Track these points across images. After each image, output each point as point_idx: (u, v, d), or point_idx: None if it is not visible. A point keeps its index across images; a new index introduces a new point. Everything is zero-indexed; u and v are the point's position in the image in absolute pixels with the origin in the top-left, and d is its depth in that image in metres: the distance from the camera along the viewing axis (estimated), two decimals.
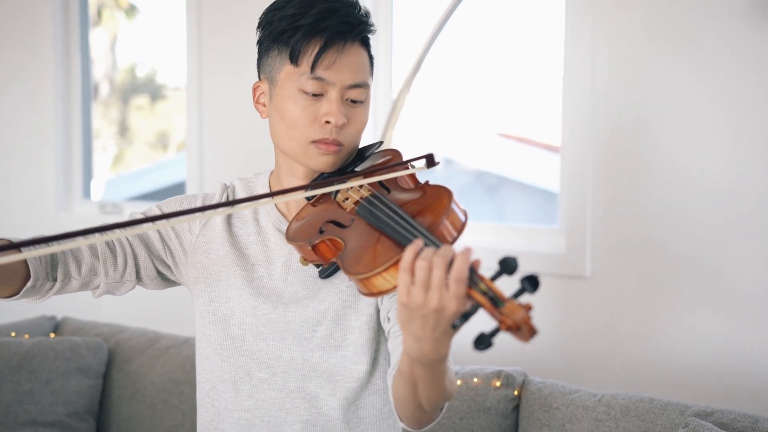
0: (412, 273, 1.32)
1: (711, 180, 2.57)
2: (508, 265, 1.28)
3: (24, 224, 4.26)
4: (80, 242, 1.37)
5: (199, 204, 1.86)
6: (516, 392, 2.42)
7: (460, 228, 1.48)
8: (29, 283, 1.62)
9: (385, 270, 1.41)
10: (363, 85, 1.71)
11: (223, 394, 1.80)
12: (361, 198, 1.60)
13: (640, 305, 2.69)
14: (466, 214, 1.51)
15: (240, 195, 1.87)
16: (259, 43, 1.77)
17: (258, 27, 1.76)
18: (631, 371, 2.72)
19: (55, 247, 1.29)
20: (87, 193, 4.30)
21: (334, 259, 1.57)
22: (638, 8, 2.67)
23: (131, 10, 4.89)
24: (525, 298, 2.45)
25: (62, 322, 3.21)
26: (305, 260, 1.68)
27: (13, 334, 3.03)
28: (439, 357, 1.38)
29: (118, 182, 5.28)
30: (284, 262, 1.78)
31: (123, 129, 4.88)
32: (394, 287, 1.40)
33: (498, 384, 2.43)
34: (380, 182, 1.65)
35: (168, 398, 2.85)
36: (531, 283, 1.26)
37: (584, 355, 2.80)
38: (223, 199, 1.85)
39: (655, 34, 2.64)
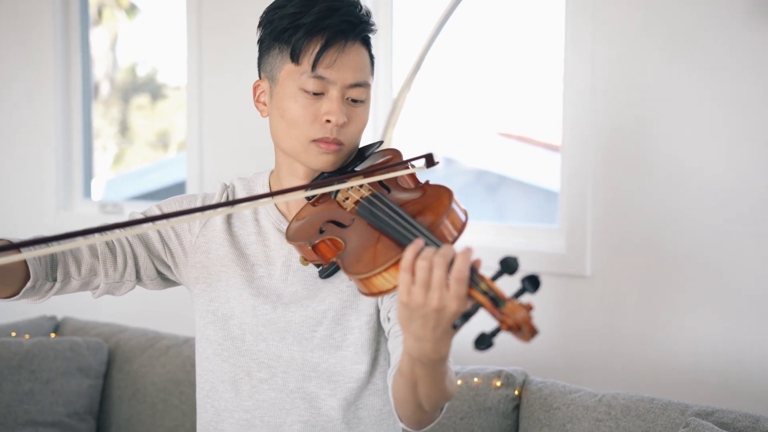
0: (413, 273, 1.32)
1: (711, 179, 2.57)
2: (508, 265, 1.27)
3: (24, 224, 4.26)
4: (80, 242, 1.37)
5: (198, 204, 1.86)
6: (516, 392, 2.42)
7: (460, 228, 1.48)
8: (29, 284, 1.61)
9: (385, 270, 1.40)
10: (364, 85, 1.71)
11: (223, 395, 1.79)
12: (361, 198, 1.60)
13: (641, 305, 2.69)
14: (466, 214, 1.51)
15: (240, 195, 1.87)
16: (260, 41, 1.76)
17: (258, 26, 1.76)
18: (631, 371, 2.71)
19: (55, 247, 1.28)
20: (87, 192, 4.30)
21: (334, 259, 1.57)
22: (638, 8, 2.66)
23: (132, 10, 4.89)
24: (526, 298, 2.45)
25: (63, 322, 3.20)
26: (305, 260, 1.68)
27: (13, 334, 3.03)
28: (439, 357, 1.38)
29: (118, 182, 5.28)
30: (284, 262, 1.78)
31: (123, 128, 4.88)
32: (395, 287, 1.40)
33: (498, 384, 2.42)
34: (380, 182, 1.65)
35: (168, 398, 2.85)
36: (532, 283, 1.26)
37: (585, 354, 2.80)
38: (223, 199, 1.85)
39: (655, 34, 2.64)
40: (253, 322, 1.76)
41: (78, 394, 2.89)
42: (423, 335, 1.34)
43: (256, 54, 1.79)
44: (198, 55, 3.67)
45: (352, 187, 1.64)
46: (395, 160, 1.72)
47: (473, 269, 1.30)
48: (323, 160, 1.70)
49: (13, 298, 1.63)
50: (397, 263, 1.39)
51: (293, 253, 1.77)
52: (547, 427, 2.33)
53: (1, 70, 4.37)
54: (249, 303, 1.77)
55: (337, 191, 1.66)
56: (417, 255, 1.33)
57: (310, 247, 1.60)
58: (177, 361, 2.88)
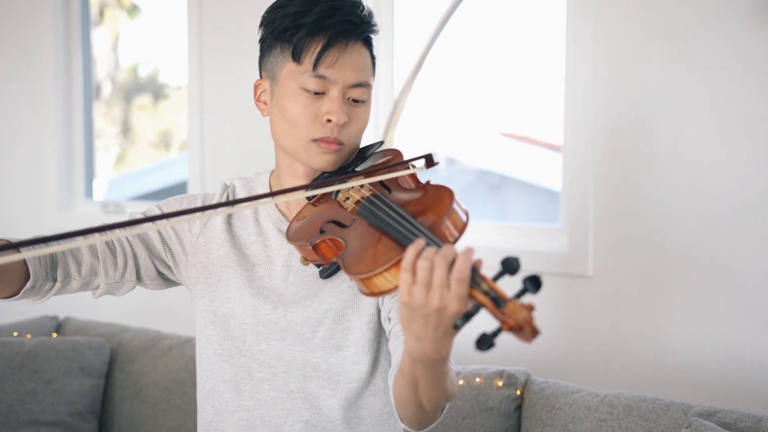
0: (414, 273, 1.32)
1: (713, 179, 2.56)
2: (510, 265, 1.27)
3: (26, 224, 4.26)
4: (80, 242, 1.37)
5: (199, 204, 1.86)
6: (518, 392, 2.41)
7: (461, 228, 1.48)
8: (29, 284, 1.61)
9: (386, 270, 1.40)
10: (365, 85, 1.71)
11: (224, 395, 1.79)
12: (362, 198, 1.59)
13: (643, 304, 2.69)
14: (467, 214, 1.51)
15: (240, 195, 1.87)
16: (261, 41, 1.76)
17: (260, 25, 1.76)
18: (634, 371, 2.71)
19: (55, 247, 1.28)
20: (89, 192, 4.30)
21: (334, 259, 1.57)
22: (639, 8, 2.66)
23: (133, 10, 4.89)
24: (527, 299, 2.45)
25: (64, 322, 3.21)
26: (306, 260, 1.67)
27: (15, 333, 3.03)
28: (440, 357, 1.38)
29: (120, 182, 5.28)
30: (285, 262, 1.78)
31: (125, 128, 4.89)
32: (396, 287, 1.40)
33: (500, 384, 2.42)
34: (381, 182, 1.64)
35: (170, 398, 2.85)
36: (533, 283, 1.25)
37: (587, 354, 2.79)
38: (223, 199, 1.85)
39: (656, 34, 2.63)
40: (254, 322, 1.76)
41: (80, 394, 2.89)
42: (424, 335, 1.34)
43: (257, 53, 1.79)
44: (199, 55, 3.67)
45: (352, 187, 1.64)
46: (396, 161, 1.72)
47: (474, 269, 1.30)
48: (324, 160, 1.70)
49: (13, 298, 1.63)
50: (398, 263, 1.39)
51: (294, 253, 1.77)
52: (549, 427, 2.33)
53: (2, 70, 4.38)
54: (249, 303, 1.76)
55: (338, 191, 1.66)
56: (418, 255, 1.33)
57: (310, 247, 1.59)
58: (179, 360, 2.88)
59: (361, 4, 1.73)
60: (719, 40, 2.53)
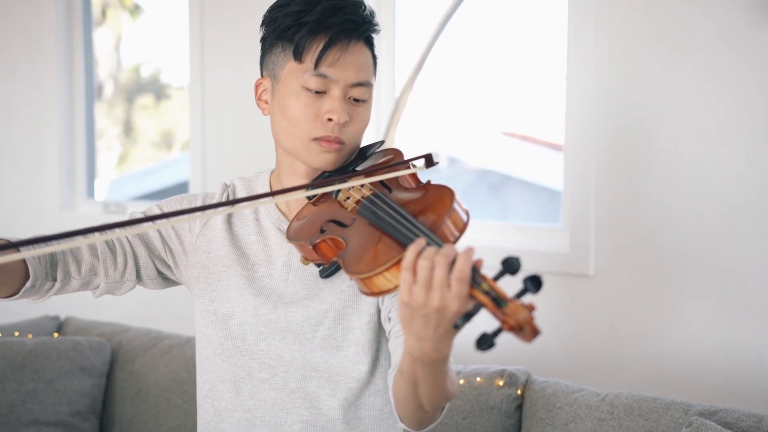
0: (414, 272, 1.32)
1: (715, 178, 2.56)
2: (510, 265, 1.27)
3: (27, 224, 4.26)
4: (80, 242, 1.37)
5: (199, 203, 1.86)
6: (519, 391, 2.41)
7: (462, 227, 1.47)
8: (28, 283, 1.61)
9: (386, 269, 1.40)
10: (366, 84, 1.71)
11: (223, 394, 1.79)
12: (362, 197, 1.59)
13: (644, 304, 2.68)
14: (468, 214, 1.51)
15: (240, 194, 1.87)
16: (263, 40, 1.76)
17: (262, 24, 1.76)
18: (634, 370, 2.71)
19: (55, 246, 1.28)
20: (91, 192, 4.30)
21: (335, 259, 1.57)
22: (640, 8, 2.66)
23: (135, 10, 4.89)
24: (527, 298, 2.45)
25: (65, 322, 3.21)
26: (306, 260, 1.67)
27: (16, 333, 3.03)
28: (440, 357, 1.38)
29: (122, 182, 5.28)
30: (285, 262, 1.78)
31: (128, 128, 4.89)
32: (396, 287, 1.40)
33: (501, 383, 2.42)
34: (382, 182, 1.64)
35: (171, 398, 2.85)
36: (534, 283, 1.25)
37: (588, 354, 2.79)
38: (224, 199, 1.85)
39: (658, 33, 2.63)
40: (254, 321, 1.76)
41: (81, 394, 2.89)
42: (424, 335, 1.34)
43: (259, 53, 1.79)
44: (200, 55, 3.67)
45: (353, 187, 1.64)
46: (396, 160, 1.71)
47: (475, 269, 1.30)
48: (324, 159, 1.70)
49: (12, 298, 1.63)
50: (398, 263, 1.39)
51: (294, 253, 1.77)
52: (550, 427, 2.33)
53: (3, 69, 4.38)
54: (249, 303, 1.76)
55: (338, 191, 1.66)
56: (418, 254, 1.33)
57: (310, 247, 1.59)
58: (179, 360, 2.88)
59: (362, 3, 1.72)
60: (720, 40, 2.53)
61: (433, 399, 1.49)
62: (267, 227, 1.81)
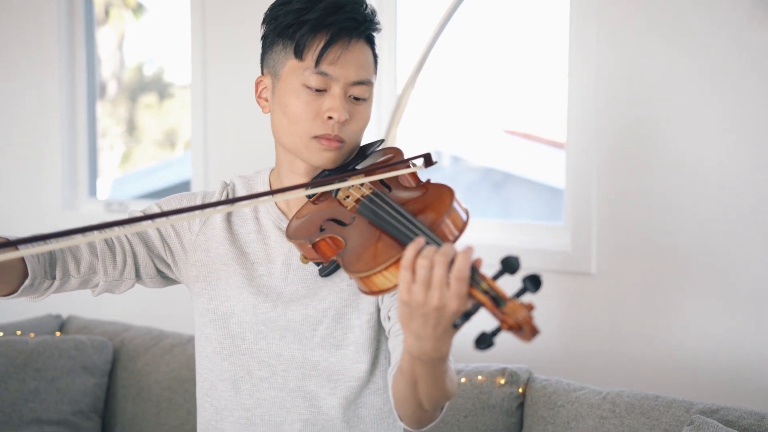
0: (413, 271, 1.32)
1: (716, 177, 2.56)
2: (510, 265, 1.27)
3: (29, 223, 4.27)
4: (79, 240, 1.37)
5: (198, 202, 1.86)
6: (520, 390, 2.41)
7: (461, 227, 1.47)
8: (27, 282, 1.61)
9: (385, 268, 1.40)
10: (366, 83, 1.71)
11: (223, 393, 1.79)
12: (362, 196, 1.59)
13: (646, 302, 2.68)
14: (467, 213, 1.51)
15: (240, 193, 1.87)
16: (264, 38, 1.77)
17: (263, 22, 1.76)
18: (636, 368, 2.71)
19: (54, 245, 1.28)
20: (93, 191, 4.31)
21: (334, 258, 1.57)
22: (642, 6, 2.66)
23: (138, 9, 4.90)
24: (527, 298, 2.45)
25: (67, 321, 3.21)
26: (305, 258, 1.67)
27: (18, 332, 3.03)
28: (439, 355, 1.38)
29: (125, 181, 5.28)
30: (284, 261, 1.78)
31: (131, 127, 4.89)
32: (395, 286, 1.40)
33: (502, 381, 2.42)
34: (381, 180, 1.64)
35: (173, 396, 2.85)
36: (533, 282, 1.25)
37: (589, 352, 2.79)
38: (223, 197, 1.85)
39: (659, 32, 2.63)
40: (253, 320, 1.76)
41: (83, 393, 2.89)
42: (423, 334, 1.34)
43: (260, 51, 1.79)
44: (202, 54, 3.68)
45: (353, 186, 1.64)
46: (396, 159, 1.71)
47: (474, 268, 1.30)
48: (324, 157, 1.70)
49: (11, 296, 1.63)
50: (397, 262, 1.39)
51: (293, 252, 1.76)
52: (552, 425, 2.32)
53: (5, 69, 4.38)
54: (249, 301, 1.76)
55: (338, 189, 1.66)
56: (418, 253, 1.33)
57: (310, 246, 1.59)
58: (181, 359, 2.88)
59: (364, 1, 1.73)
60: (722, 38, 2.53)
61: (433, 398, 1.49)
62: (266, 226, 1.81)
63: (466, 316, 1.30)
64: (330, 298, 1.74)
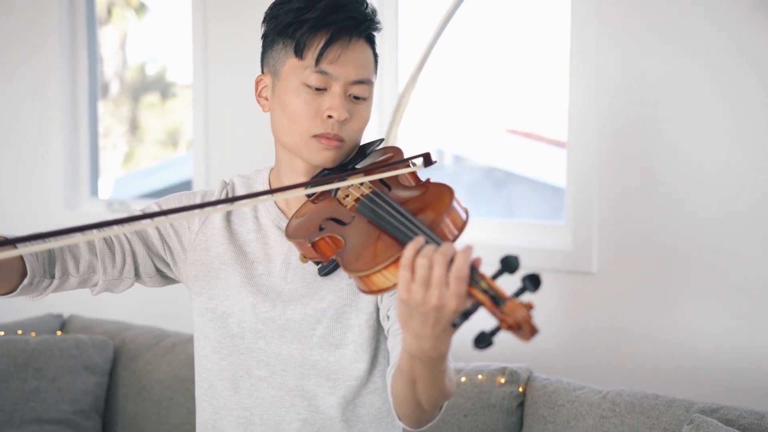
0: (413, 270, 1.32)
1: (717, 176, 2.56)
2: (509, 264, 1.27)
3: (31, 222, 4.27)
4: (78, 239, 1.37)
5: (198, 201, 1.86)
6: (521, 389, 2.41)
7: (461, 226, 1.47)
8: (26, 281, 1.61)
9: (385, 267, 1.40)
10: (366, 82, 1.71)
11: (222, 393, 1.79)
12: (361, 195, 1.59)
13: (646, 302, 2.68)
14: (467, 212, 1.51)
15: (239, 192, 1.87)
16: (264, 36, 1.77)
17: (263, 21, 1.76)
18: (636, 368, 2.71)
19: (53, 243, 1.28)
20: (94, 191, 4.31)
21: (333, 257, 1.56)
22: (643, 6, 2.65)
23: (141, 9, 4.89)
24: (526, 297, 2.45)
25: (69, 320, 3.21)
26: (305, 257, 1.67)
27: (19, 332, 3.04)
28: (438, 355, 1.37)
29: (127, 180, 5.28)
30: (284, 260, 1.78)
31: (134, 127, 4.88)
32: (394, 285, 1.40)
33: (503, 381, 2.42)
34: (381, 180, 1.64)
35: (174, 396, 2.85)
36: (532, 281, 1.25)
37: (589, 351, 2.79)
38: (223, 197, 1.85)
39: (661, 31, 2.63)
40: (253, 319, 1.76)
41: (84, 392, 2.90)
42: (422, 333, 1.34)
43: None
44: (204, 53, 3.68)
45: (352, 185, 1.64)
46: (396, 158, 1.71)
47: (473, 268, 1.30)
48: (324, 156, 1.70)
49: (10, 295, 1.63)
50: (397, 261, 1.39)
51: (293, 251, 1.76)
52: (552, 424, 2.33)
53: (7, 68, 4.38)
54: (248, 301, 1.76)
55: (338, 189, 1.66)
56: (417, 252, 1.33)
57: (309, 245, 1.59)
58: (182, 358, 2.89)
59: (364, 0, 1.73)
60: (724, 37, 2.53)
61: (432, 397, 1.48)
62: (266, 225, 1.81)
63: (466, 315, 1.30)
64: (329, 298, 1.74)
